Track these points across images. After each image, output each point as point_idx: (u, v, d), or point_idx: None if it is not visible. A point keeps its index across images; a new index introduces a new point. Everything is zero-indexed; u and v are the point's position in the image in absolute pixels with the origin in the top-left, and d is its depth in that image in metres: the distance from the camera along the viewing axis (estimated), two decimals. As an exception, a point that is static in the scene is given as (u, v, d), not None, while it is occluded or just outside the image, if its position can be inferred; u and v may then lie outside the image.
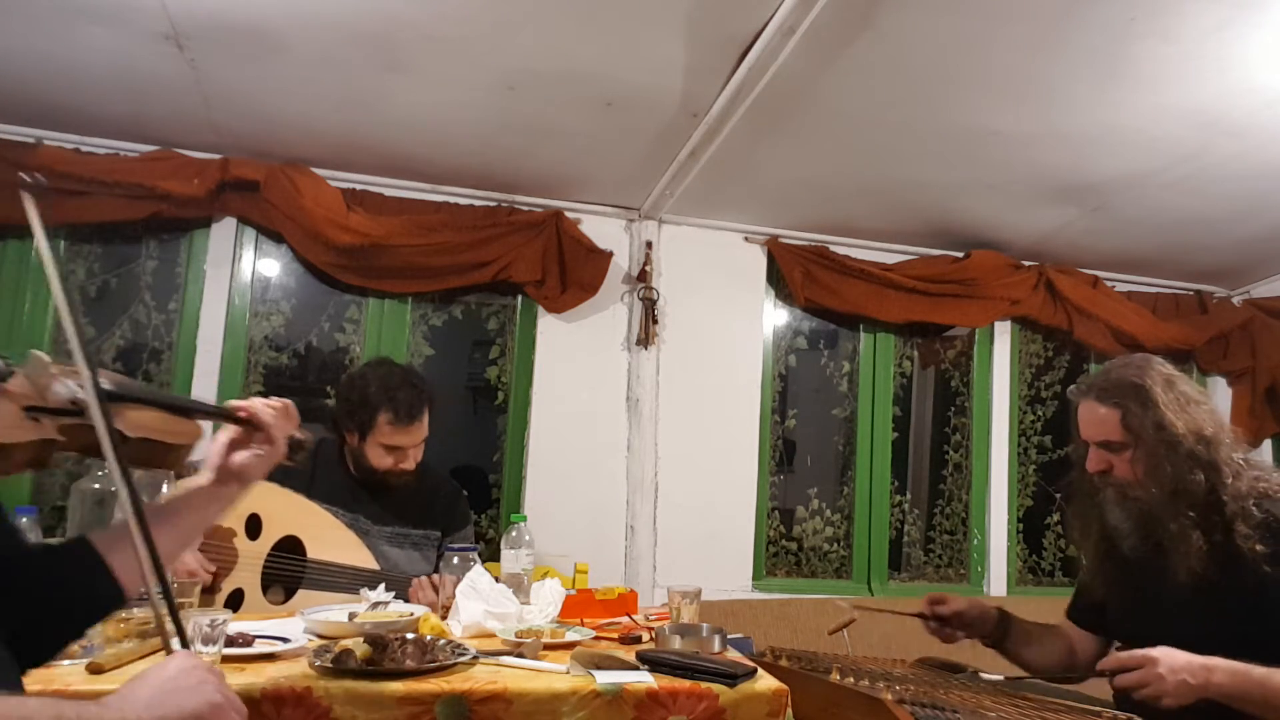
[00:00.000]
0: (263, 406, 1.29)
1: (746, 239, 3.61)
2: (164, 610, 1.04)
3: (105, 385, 1.04)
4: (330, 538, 2.18)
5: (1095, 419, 1.67)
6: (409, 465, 2.31)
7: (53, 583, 1.08)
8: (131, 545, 1.04)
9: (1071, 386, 1.79)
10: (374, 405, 2.26)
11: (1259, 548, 1.52)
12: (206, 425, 1.32)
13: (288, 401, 1.33)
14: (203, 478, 1.27)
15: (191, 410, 1.26)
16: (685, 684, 1.49)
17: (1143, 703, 1.45)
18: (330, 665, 1.44)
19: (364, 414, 2.27)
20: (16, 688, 0.98)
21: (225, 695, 0.98)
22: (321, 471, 2.34)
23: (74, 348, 1.01)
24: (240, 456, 1.27)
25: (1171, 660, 1.44)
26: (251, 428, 1.28)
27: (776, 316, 3.74)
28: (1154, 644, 1.47)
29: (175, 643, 1.04)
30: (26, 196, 0.99)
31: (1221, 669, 1.43)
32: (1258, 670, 1.43)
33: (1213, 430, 1.61)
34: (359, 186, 3.20)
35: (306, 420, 1.36)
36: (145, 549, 1.01)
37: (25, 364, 1.03)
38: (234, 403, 1.29)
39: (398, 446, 2.28)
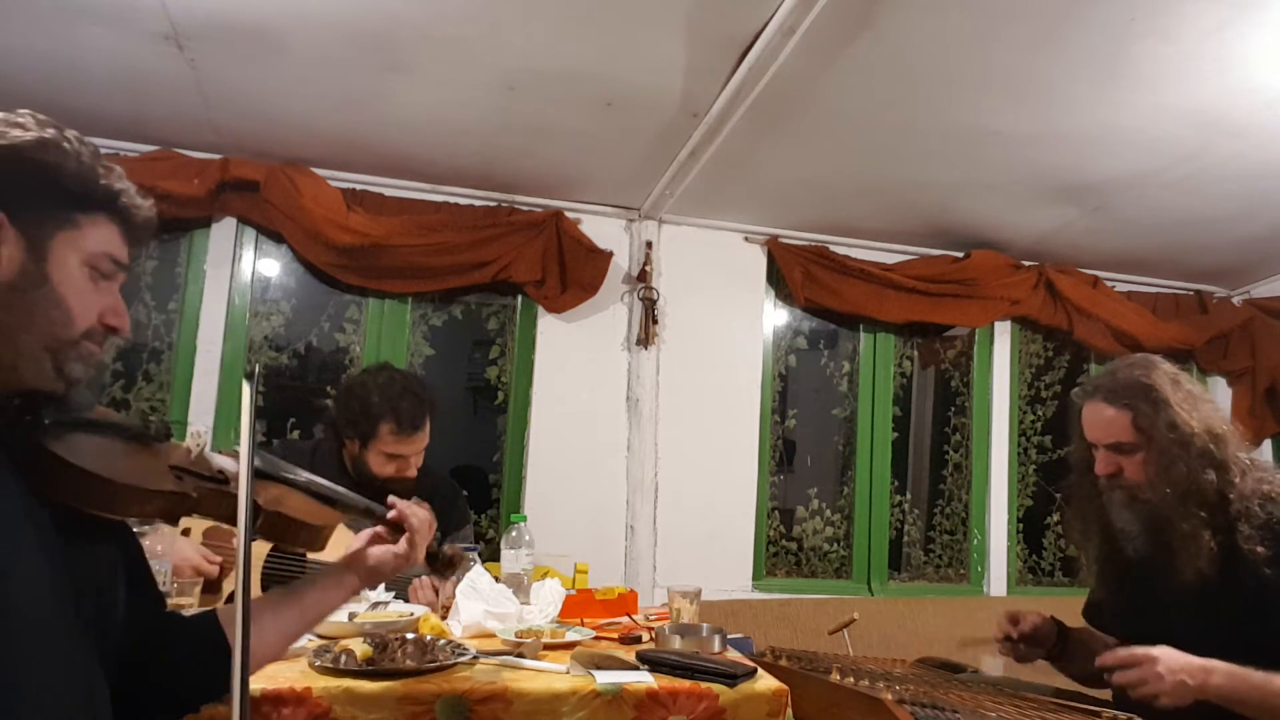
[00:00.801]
0: (413, 512, 1.28)
1: (746, 239, 3.61)
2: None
3: (256, 464, 1.08)
4: (331, 538, 2.18)
5: (1103, 421, 1.65)
6: (411, 473, 2.30)
7: (178, 661, 1.08)
8: (259, 627, 1.07)
9: (1075, 389, 1.77)
10: (376, 415, 2.24)
11: (1260, 550, 1.50)
12: None
13: (430, 517, 1.32)
14: (333, 560, 1.27)
15: (338, 502, 1.25)
16: (685, 684, 1.49)
17: (1140, 702, 1.45)
18: (330, 665, 1.44)
19: (366, 424, 2.25)
20: None
21: None
22: (320, 473, 2.33)
23: (242, 461, 1.02)
24: (377, 552, 1.27)
25: (1170, 660, 1.43)
26: (395, 529, 1.28)
27: (776, 316, 3.74)
28: (1154, 644, 1.47)
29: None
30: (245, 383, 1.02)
31: (1220, 671, 1.43)
32: (1256, 674, 1.42)
33: (1222, 428, 1.60)
34: (359, 186, 3.20)
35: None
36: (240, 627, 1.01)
37: (185, 436, 1.09)
38: (394, 501, 1.28)
39: (400, 455, 2.27)
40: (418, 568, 2.32)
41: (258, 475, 1.10)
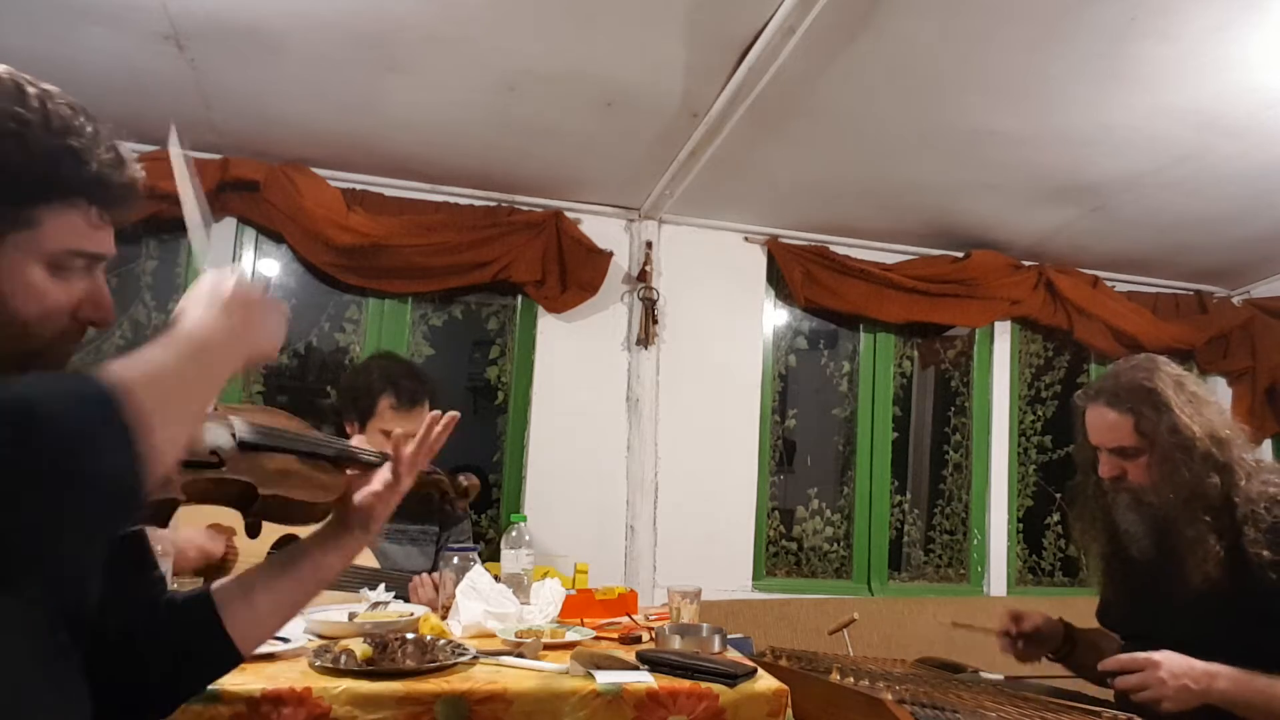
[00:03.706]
0: (398, 438, 1.15)
1: (746, 239, 3.61)
2: None
3: (245, 435, 1.02)
4: None
5: (1106, 424, 1.64)
6: None
7: (170, 644, 1.01)
8: (252, 602, 1.02)
9: (1077, 392, 1.77)
10: (376, 391, 2.28)
11: (1266, 553, 1.49)
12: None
13: (443, 417, 1.19)
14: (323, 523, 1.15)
15: (340, 459, 1.15)
16: (685, 684, 1.49)
17: (1143, 705, 1.45)
18: (330, 665, 1.44)
19: (366, 400, 2.29)
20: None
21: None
22: None
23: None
24: (360, 493, 1.14)
25: (1173, 664, 1.43)
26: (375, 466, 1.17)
27: (776, 316, 3.74)
28: (1158, 647, 1.47)
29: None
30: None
31: (1224, 676, 1.42)
32: (1260, 679, 1.42)
33: (1227, 431, 1.59)
34: (359, 186, 3.20)
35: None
36: None
37: None
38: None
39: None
40: (416, 560, 2.33)
41: (255, 448, 1.03)
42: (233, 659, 1.05)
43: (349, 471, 1.16)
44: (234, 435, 1.03)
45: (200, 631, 1.03)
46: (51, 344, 0.83)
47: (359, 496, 1.14)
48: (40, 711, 0.82)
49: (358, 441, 1.26)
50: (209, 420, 1.02)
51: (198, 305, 0.91)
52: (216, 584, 1.08)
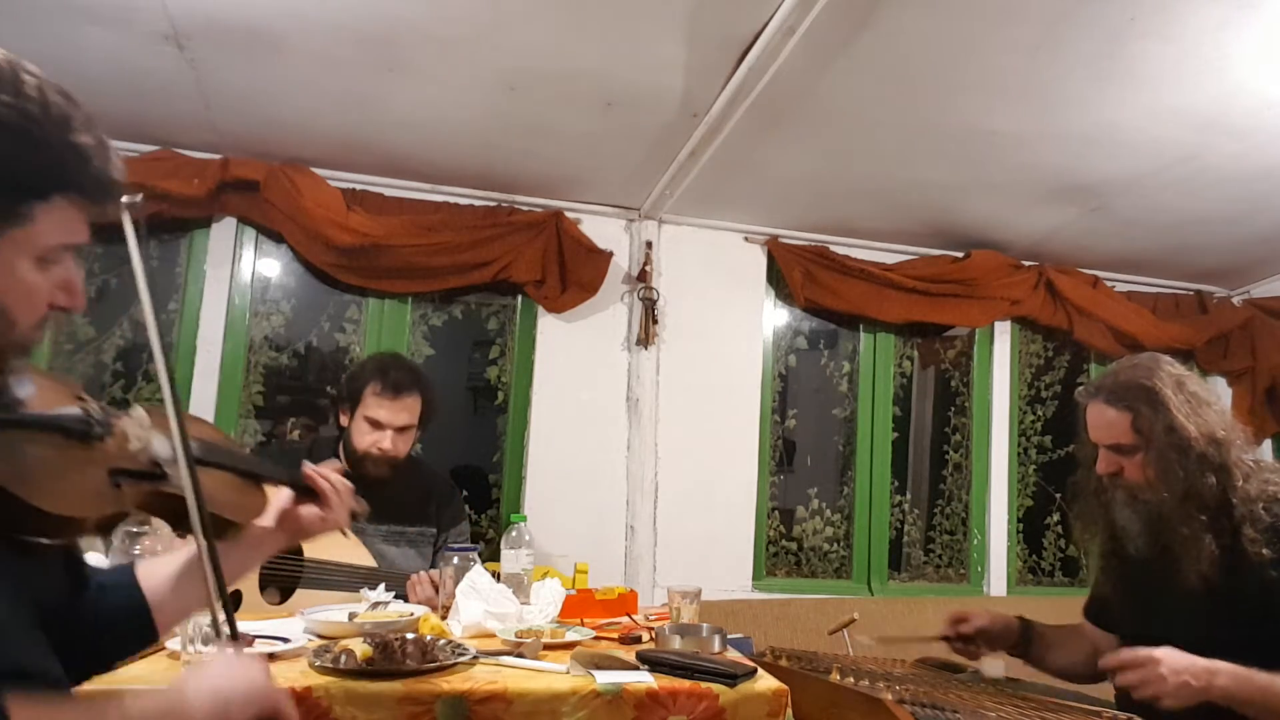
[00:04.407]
0: (323, 475, 1.30)
1: (746, 239, 3.61)
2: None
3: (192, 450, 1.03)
4: (327, 536, 2.18)
5: (1105, 422, 1.65)
6: (387, 446, 2.29)
7: (95, 621, 1.04)
8: (179, 589, 1.07)
9: (1079, 388, 1.78)
10: (365, 377, 2.33)
11: (1266, 552, 1.50)
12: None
13: (348, 483, 1.34)
14: (265, 520, 1.26)
15: (262, 477, 1.26)
16: (685, 684, 1.49)
17: (1143, 703, 1.45)
18: (330, 665, 1.44)
19: (355, 384, 2.35)
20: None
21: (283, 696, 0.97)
22: None
23: (166, 399, 1.00)
24: (306, 511, 1.28)
25: (1173, 661, 1.43)
26: (316, 496, 1.29)
27: (776, 316, 3.74)
28: (1158, 644, 1.47)
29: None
30: (124, 211, 0.93)
31: (1225, 673, 1.42)
32: (1260, 676, 1.42)
33: (1224, 432, 1.59)
34: (359, 186, 3.20)
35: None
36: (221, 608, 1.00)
37: (128, 414, 1.01)
38: (307, 469, 1.30)
39: (379, 423, 2.28)
40: (414, 561, 2.34)
41: (199, 463, 1.04)
42: (149, 641, 1.12)
43: (266, 490, 1.25)
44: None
45: (126, 616, 1.07)
46: (28, 333, 0.83)
47: (304, 512, 1.27)
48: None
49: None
50: (155, 430, 1.02)
51: (199, 698, 0.88)
52: (142, 564, 1.13)
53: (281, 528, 1.27)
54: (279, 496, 1.28)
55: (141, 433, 1.00)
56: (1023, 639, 1.86)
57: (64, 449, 0.91)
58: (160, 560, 1.15)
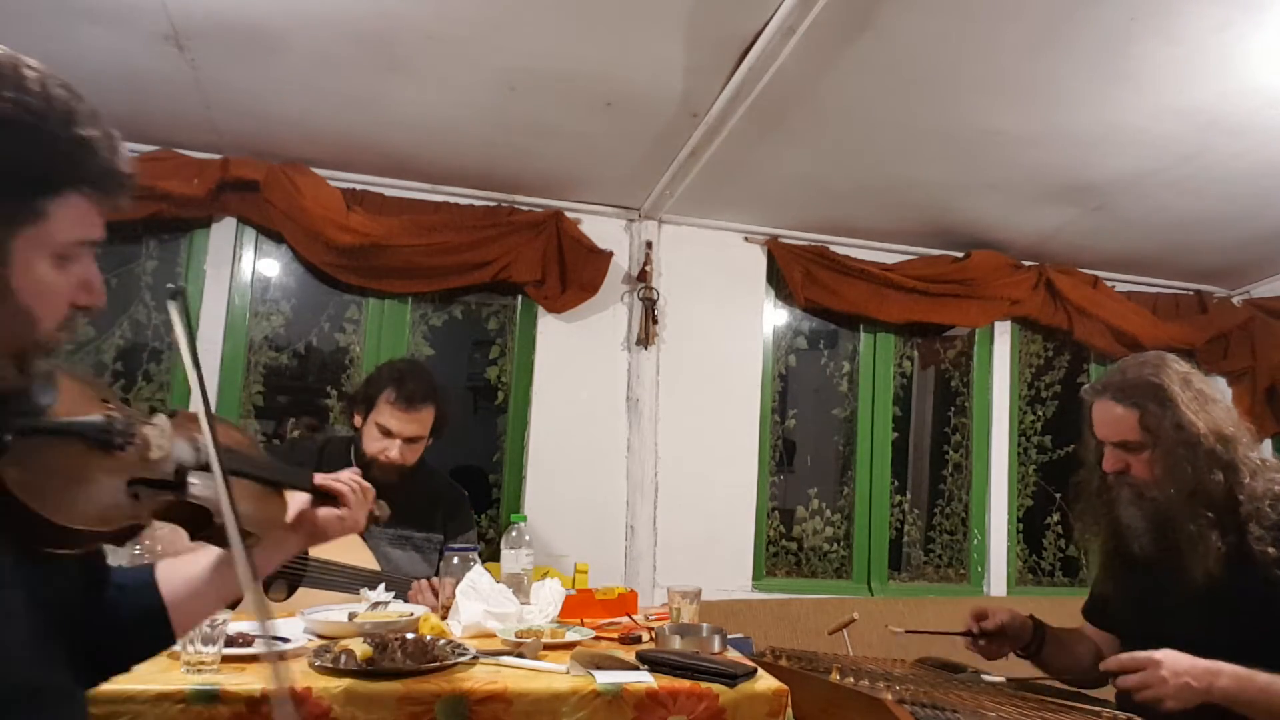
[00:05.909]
0: (349, 486, 1.30)
1: (746, 239, 3.61)
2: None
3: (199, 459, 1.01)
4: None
5: (1112, 419, 1.64)
6: (394, 455, 2.28)
7: (114, 622, 1.03)
8: (198, 592, 1.07)
9: (1085, 386, 1.77)
10: (381, 383, 2.32)
11: (1271, 550, 1.49)
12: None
13: (369, 486, 1.35)
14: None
15: (283, 484, 1.26)
16: (685, 684, 1.49)
17: (1144, 705, 1.45)
18: (330, 665, 1.44)
19: (370, 390, 2.34)
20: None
21: None
22: (327, 470, 2.34)
23: (202, 421, 0.98)
24: (324, 513, 1.28)
25: (1175, 663, 1.42)
26: (336, 500, 1.30)
27: (776, 316, 3.74)
28: (1160, 645, 1.46)
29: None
30: (172, 305, 0.95)
31: (1226, 674, 1.41)
32: (1262, 676, 1.41)
33: (1232, 429, 1.59)
34: (359, 186, 3.20)
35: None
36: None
37: (151, 422, 0.98)
38: (322, 479, 1.30)
39: (391, 432, 2.28)
40: (419, 566, 2.33)
41: (204, 469, 1.02)
42: (166, 643, 1.11)
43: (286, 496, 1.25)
44: (199, 455, 1.02)
45: (143, 618, 1.06)
46: (51, 334, 0.83)
47: (322, 514, 1.27)
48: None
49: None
50: (176, 436, 1.00)
51: None
52: (160, 571, 1.11)
53: (299, 530, 1.27)
54: (296, 499, 1.27)
55: (164, 442, 0.98)
56: (1035, 639, 1.83)
57: (83, 457, 0.89)
58: (178, 562, 1.13)
